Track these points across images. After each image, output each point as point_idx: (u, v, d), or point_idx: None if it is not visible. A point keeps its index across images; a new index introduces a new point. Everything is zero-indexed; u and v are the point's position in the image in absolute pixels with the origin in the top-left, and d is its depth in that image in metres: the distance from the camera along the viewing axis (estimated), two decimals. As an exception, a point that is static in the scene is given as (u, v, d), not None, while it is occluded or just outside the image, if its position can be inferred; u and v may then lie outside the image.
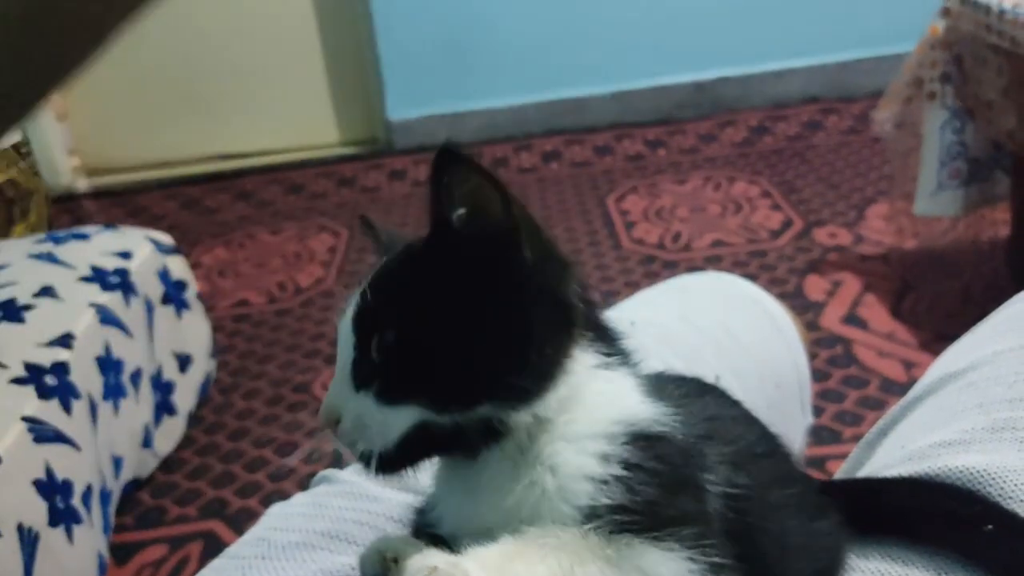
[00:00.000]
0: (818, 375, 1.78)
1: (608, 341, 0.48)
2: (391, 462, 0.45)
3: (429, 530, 0.48)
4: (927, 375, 0.74)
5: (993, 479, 0.55)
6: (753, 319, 0.96)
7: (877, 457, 0.68)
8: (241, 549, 0.66)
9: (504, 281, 0.44)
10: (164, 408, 1.79)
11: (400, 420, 0.44)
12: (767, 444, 0.53)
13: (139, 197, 3.24)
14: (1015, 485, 0.54)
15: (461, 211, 0.44)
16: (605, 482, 0.42)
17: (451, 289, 0.44)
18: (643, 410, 0.45)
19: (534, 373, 0.44)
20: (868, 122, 2.17)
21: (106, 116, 3.36)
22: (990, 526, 0.53)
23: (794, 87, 3.27)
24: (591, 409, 0.45)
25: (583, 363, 0.46)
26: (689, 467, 0.44)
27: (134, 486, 1.73)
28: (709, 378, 0.80)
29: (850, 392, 1.75)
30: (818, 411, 1.68)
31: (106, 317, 1.60)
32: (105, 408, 1.55)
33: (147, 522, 1.69)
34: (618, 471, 0.42)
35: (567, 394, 0.44)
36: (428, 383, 0.44)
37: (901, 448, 0.64)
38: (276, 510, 0.71)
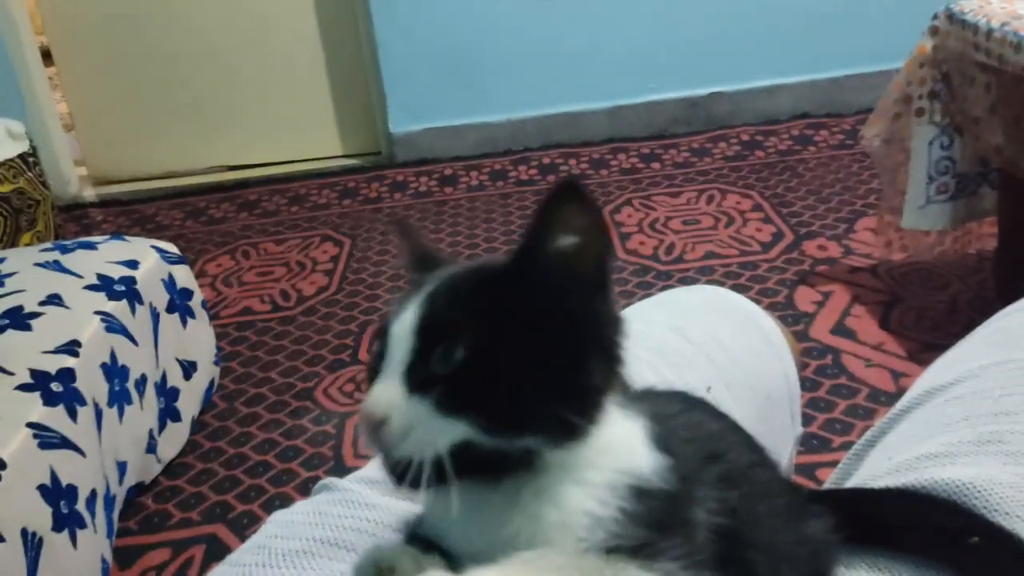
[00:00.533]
0: (808, 384, 1.80)
1: (624, 388, 0.48)
2: (423, 476, 0.43)
3: (425, 538, 0.47)
4: (914, 388, 0.74)
5: (979, 492, 0.55)
6: (743, 331, 0.95)
7: (865, 468, 0.68)
8: (242, 556, 0.66)
9: (584, 320, 0.45)
10: (168, 414, 1.80)
11: (449, 434, 0.43)
12: (753, 456, 0.54)
13: (145, 207, 3.26)
14: (1000, 498, 0.55)
15: (569, 240, 0.44)
16: (602, 520, 0.42)
17: (533, 316, 0.44)
18: (646, 463, 0.45)
19: (586, 413, 0.44)
20: (857, 138, 2.20)
21: (113, 127, 3.38)
22: (976, 538, 0.53)
23: (785, 103, 3.30)
24: (604, 454, 0.45)
25: (610, 410, 0.46)
26: (680, 511, 0.45)
27: (138, 491, 1.74)
28: (700, 389, 0.81)
29: (839, 401, 1.77)
30: (808, 420, 1.70)
31: (112, 325, 1.62)
32: (110, 414, 1.56)
33: (150, 526, 1.70)
34: (615, 515, 0.43)
35: (596, 438, 0.45)
36: (488, 403, 0.43)
37: (888, 460, 0.65)
38: (277, 517, 0.71)
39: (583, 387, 0.44)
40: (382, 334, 0.46)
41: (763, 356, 0.93)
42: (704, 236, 2.52)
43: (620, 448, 0.45)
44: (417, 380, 0.43)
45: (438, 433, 0.43)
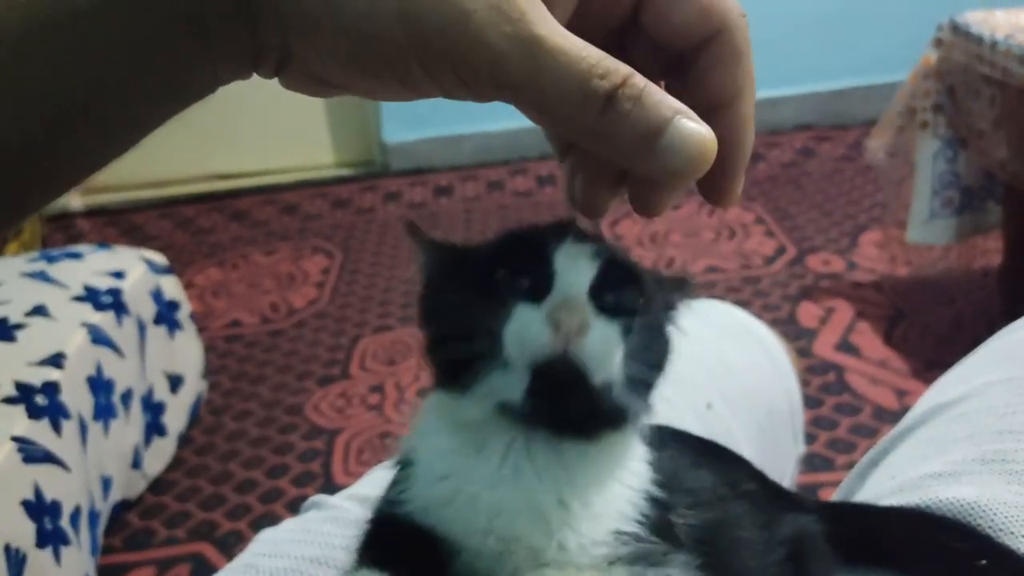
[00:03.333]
0: (811, 402, 1.78)
1: None
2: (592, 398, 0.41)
3: (405, 520, 0.44)
4: (918, 406, 0.73)
5: (984, 512, 0.54)
6: (745, 347, 0.95)
7: (868, 487, 0.67)
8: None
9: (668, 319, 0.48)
10: (154, 429, 1.78)
11: (618, 366, 0.41)
12: (725, 487, 0.53)
13: (133, 216, 3.25)
14: (1006, 518, 0.54)
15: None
16: (630, 522, 0.42)
17: (656, 299, 0.46)
18: (646, 468, 0.46)
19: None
20: (861, 150, 2.19)
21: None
22: (983, 561, 0.52)
23: (788, 114, 3.29)
24: (628, 450, 0.45)
25: None
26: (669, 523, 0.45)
27: (123, 507, 1.71)
28: (701, 406, 0.80)
29: (843, 419, 1.75)
30: (811, 438, 1.68)
31: (98, 337, 1.60)
32: (95, 428, 1.54)
33: (135, 544, 1.67)
34: (640, 519, 0.43)
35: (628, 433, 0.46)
36: (635, 354, 0.42)
37: (892, 479, 0.64)
38: (265, 535, 0.70)
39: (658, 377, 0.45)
40: (533, 260, 0.42)
41: (765, 373, 0.93)
42: (705, 249, 2.50)
43: (634, 448, 0.46)
44: (604, 305, 0.42)
45: (617, 360, 0.41)
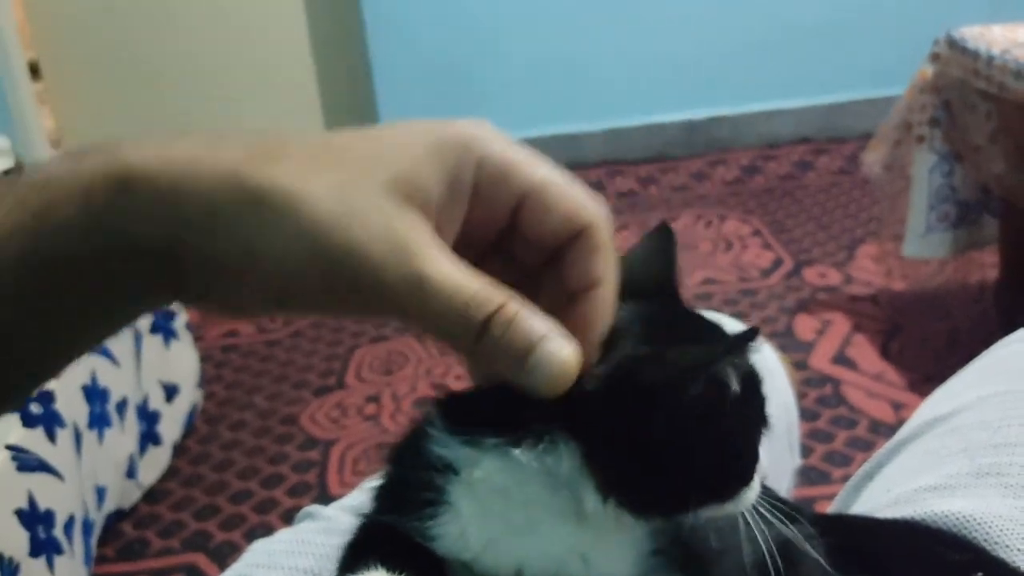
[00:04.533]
0: (807, 415, 1.78)
1: None
2: None
3: (416, 540, 0.41)
4: (913, 419, 0.73)
5: (979, 525, 0.54)
6: (741, 359, 0.95)
7: (863, 500, 0.67)
8: (222, 586, 0.66)
9: None
10: (149, 438, 1.77)
11: None
12: None
13: (131, 225, 3.24)
14: (1000, 531, 0.54)
15: None
16: None
17: None
18: None
19: None
20: (858, 163, 2.19)
21: (98, 136, 3.34)
22: (979, 573, 0.52)
23: (785, 127, 3.29)
24: None
25: None
26: None
27: (117, 517, 1.71)
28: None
29: (839, 432, 1.75)
30: (807, 451, 1.68)
31: (93, 345, 1.59)
32: (90, 437, 1.53)
33: (129, 554, 1.66)
34: None
35: None
36: None
37: (887, 492, 0.64)
38: (259, 546, 0.70)
39: None
40: None
41: (761, 384, 0.92)
42: (702, 261, 2.50)
43: None
44: None
45: None
